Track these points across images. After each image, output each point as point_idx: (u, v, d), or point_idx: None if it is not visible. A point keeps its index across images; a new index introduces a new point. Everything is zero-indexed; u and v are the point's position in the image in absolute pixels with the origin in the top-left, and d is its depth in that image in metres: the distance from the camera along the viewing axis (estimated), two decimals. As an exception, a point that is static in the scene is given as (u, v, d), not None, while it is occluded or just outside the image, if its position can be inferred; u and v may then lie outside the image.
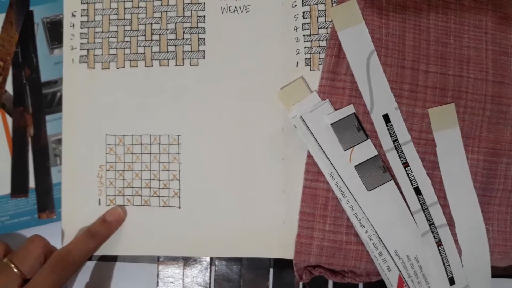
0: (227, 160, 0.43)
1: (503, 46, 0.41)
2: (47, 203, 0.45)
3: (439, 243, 0.39)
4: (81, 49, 0.44)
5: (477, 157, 0.40)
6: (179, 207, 0.43)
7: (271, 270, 0.44)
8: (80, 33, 0.44)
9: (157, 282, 0.44)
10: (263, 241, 0.42)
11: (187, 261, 0.44)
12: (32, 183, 0.45)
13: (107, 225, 0.42)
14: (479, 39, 0.41)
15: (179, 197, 0.43)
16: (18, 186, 0.45)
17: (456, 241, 0.40)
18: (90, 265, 0.44)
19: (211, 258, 0.44)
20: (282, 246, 0.41)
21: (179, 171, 0.43)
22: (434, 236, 0.39)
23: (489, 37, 0.41)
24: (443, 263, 0.39)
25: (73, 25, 0.44)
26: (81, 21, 0.44)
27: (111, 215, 0.42)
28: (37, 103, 0.45)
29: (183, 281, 0.44)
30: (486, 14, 0.41)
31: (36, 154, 0.45)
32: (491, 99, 0.40)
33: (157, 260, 0.44)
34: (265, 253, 0.42)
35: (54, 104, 0.45)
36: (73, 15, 0.44)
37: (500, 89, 0.40)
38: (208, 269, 0.44)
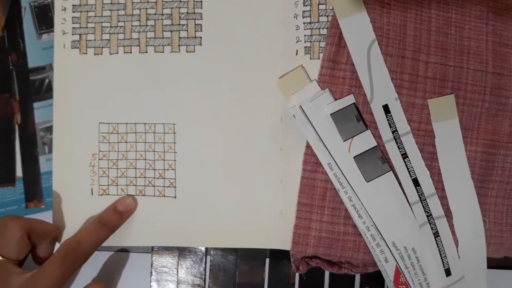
0: (224, 150, 0.42)
1: (504, 38, 0.41)
2: (35, 193, 0.44)
3: (436, 235, 0.39)
4: (73, 34, 0.43)
5: (476, 149, 0.40)
6: (175, 197, 0.42)
7: (267, 260, 0.43)
8: (72, 17, 0.43)
9: (151, 272, 0.43)
10: (260, 232, 0.41)
11: (182, 251, 0.43)
12: (19, 172, 0.44)
13: (118, 215, 0.41)
14: (479, 30, 0.40)
15: (175, 187, 0.42)
16: (5, 175, 0.44)
17: (453, 232, 0.40)
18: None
19: (207, 248, 0.44)
20: (279, 237, 0.41)
21: (175, 160, 0.42)
22: (431, 228, 0.39)
23: (490, 28, 0.40)
24: (440, 254, 0.40)
25: (65, 9, 0.43)
26: (73, 5, 0.43)
27: (122, 204, 0.41)
28: (24, 89, 0.44)
29: (177, 271, 0.43)
30: (487, 5, 0.40)
31: (24, 142, 0.44)
32: (490, 90, 0.40)
33: (151, 249, 0.44)
34: (262, 243, 0.41)
35: (42, 91, 0.44)
36: (65, -2, 0.43)
37: (500, 81, 0.40)
38: (203, 260, 0.43)
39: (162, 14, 0.42)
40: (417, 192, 0.39)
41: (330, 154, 0.39)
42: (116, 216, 0.41)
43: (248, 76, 0.42)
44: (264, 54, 0.42)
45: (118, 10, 0.42)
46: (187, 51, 0.42)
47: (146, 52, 0.42)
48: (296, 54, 0.41)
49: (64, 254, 0.37)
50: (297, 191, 0.40)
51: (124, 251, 0.44)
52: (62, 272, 0.36)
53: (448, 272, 0.40)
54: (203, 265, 0.43)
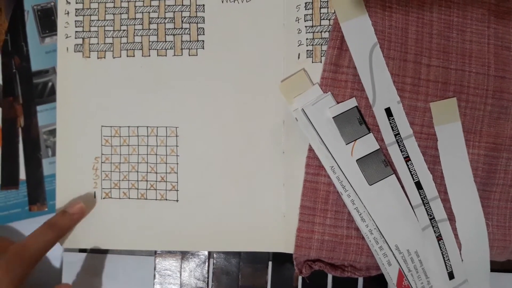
0: (226, 153, 0.42)
1: (505, 41, 0.41)
2: (38, 195, 0.44)
3: (439, 238, 0.39)
4: (76, 38, 0.43)
5: (478, 152, 0.40)
6: (177, 200, 0.42)
7: (270, 263, 0.43)
8: (75, 21, 0.43)
9: (154, 275, 0.43)
10: (262, 235, 0.41)
11: (184, 254, 0.44)
12: (22, 175, 0.44)
13: (68, 217, 0.41)
14: (481, 33, 0.40)
15: (177, 190, 0.42)
16: (8, 178, 0.44)
17: (456, 235, 0.40)
18: (87, 258, 0.44)
19: (209, 251, 0.44)
20: (282, 240, 0.41)
21: (177, 164, 0.42)
22: (434, 231, 0.39)
23: (492, 32, 0.40)
24: (443, 258, 0.39)
25: (68, 13, 0.43)
26: (76, 9, 0.43)
27: (72, 207, 0.41)
28: (27, 93, 0.45)
29: (180, 274, 0.43)
30: (489, 8, 0.40)
31: (27, 145, 0.44)
32: (492, 93, 0.40)
33: (154, 253, 0.44)
34: (265, 247, 0.41)
35: (45, 94, 0.45)
36: (68, 2, 0.43)
37: (502, 84, 0.40)
38: (206, 263, 0.43)
39: (165, 18, 0.42)
40: (420, 195, 0.39)
41: (332, 157, 0.39)
42: (65, 218, 0.41)
43: (250, 79, 0.42)
44: (266, 58, 0.42)
45: (121, 14, 0.43)
46: (189, 55, 0.42)
47: (149, 55, 0.43)
48: (298, 57, 0.41)
49: (7, 261, 0.36)
50: (300, 194, 0.40)
51: (127, 254, 0.44)
52: (9, 279, 0.36)
53: (451, 275, 0.40)
54: (206, 268, 0.43)
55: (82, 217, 0.42)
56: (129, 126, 0.43)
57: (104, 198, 0.43)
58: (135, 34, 0.43)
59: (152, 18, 0.42)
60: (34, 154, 0.44)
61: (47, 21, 0.45)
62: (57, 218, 0.41)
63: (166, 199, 0.42)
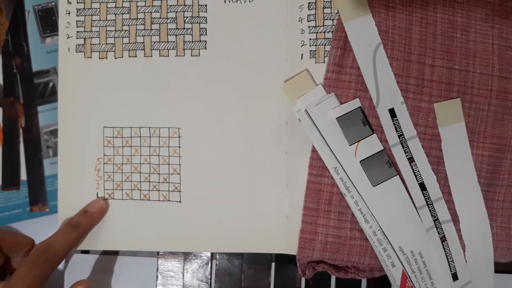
0: (229, 154, 0.42)
1: (509, 41, 0.40)
2: (39, 196, 0.44)
3: (443, 239, 0.39)
4: (77, 38, 0.43)
5: (482, 153, 0.40)
6: (180, 201, 0.42)
7: (273, 264, 0.43)
8: (76, 21, 0.43)
9: (157, 276, 0.43)
10: (265, 236, 0.41)
11: (187, 255, 0.43)
12: (23, 176, 0.44)
13: (89, 217, 0.41)
14: (485, 33, 0.40)
15: (180, 191, 0.42)
16: (9, 179, 0.44)
17: (460, 236, 0.40)
18: (89, 259, 0.44)
19: (212, 253, 0.43)
20: (285, 242, 0.41)
21: (180, 164, 0.42)
22: (438, 232, 0.39)
23: (496, 32, 0.40)
24: (447, 259, 0.39)
25: (69, 13, 0.43)
26: (77, 9, 0.43)
27: (93, 206, 0.42)
28: (28, 93, 0.44)
29: (183, 275, 0.43)
30: (492, 8, 0.40)
31: (28, 146, 0.44)
32: (496, 94, 0.40)
33: (156, 254, 0.44)
34: (268, 248, 0.41)
35: (46, 94, 0.44)
36: (69, 2, 0.42)
37: (506, 85, 0.40)
38: (209, 264, 0.43)
39: (167, 18, 0.42)
40: (424, 196, 0.39)
41: (336, 158, 0.39)
42: (86, 217, 0.41)
43: (253, 80, 0.42)
44: (269, 58, 0.41)
45: (122, 14, 0.42)
46: (192, 55, 0.42)
47: (151, 56, 0.42)
48: (301, 57, 0.40)
49: (34, 257, 0.37)
50: (303, 196, 0.40)
51: (129, 255, 0.44)
52: (34, 275, 0.36)
53: (455, 277, 0.40)
54: (209, 269, 0.43)
55: (102, 215, 0.42)
56: (131, 127, 0.42)
57: (106, 199, 0.42)
58: (137, 34, 0.42)
59: (154, 18, 0.42)
60: (35, 154, 0.44)
61: (48, 21, 0.44)
62: (79, 218, 0.41)
63: (169, 200, 0.42)
